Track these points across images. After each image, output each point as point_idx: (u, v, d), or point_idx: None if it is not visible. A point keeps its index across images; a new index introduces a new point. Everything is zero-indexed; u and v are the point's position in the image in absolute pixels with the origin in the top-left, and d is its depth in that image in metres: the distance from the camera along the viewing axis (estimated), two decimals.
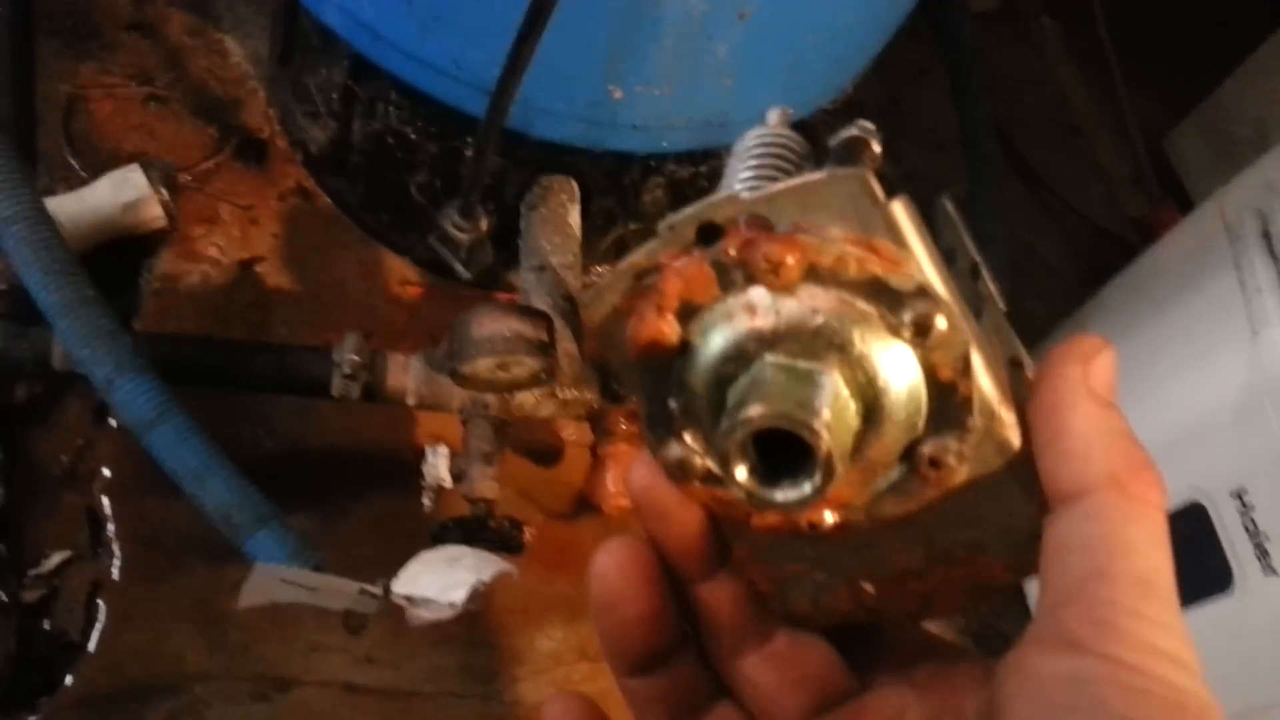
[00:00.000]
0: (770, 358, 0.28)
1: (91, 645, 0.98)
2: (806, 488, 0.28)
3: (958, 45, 1.35)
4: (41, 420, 1.07)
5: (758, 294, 0.28)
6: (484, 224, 1.10)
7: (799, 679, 0.33)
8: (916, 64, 1.66)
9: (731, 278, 0.28)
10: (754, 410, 0.27)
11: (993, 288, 0.31)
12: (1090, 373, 0.28)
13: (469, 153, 1.10)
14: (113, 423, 1.07)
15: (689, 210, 0.29)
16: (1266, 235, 0.97)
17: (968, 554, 0.31)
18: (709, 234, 0.29)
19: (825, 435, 0.27)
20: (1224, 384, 0.95)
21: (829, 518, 0.31)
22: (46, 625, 0.97)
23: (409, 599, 0.75)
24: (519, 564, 0.85)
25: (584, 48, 0.98)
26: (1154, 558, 0.27)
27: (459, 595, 0.74)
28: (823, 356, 0.28)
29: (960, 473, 0.29)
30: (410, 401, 0.98)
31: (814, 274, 0.28)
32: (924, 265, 0.28)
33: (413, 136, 1.18)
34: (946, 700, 0.31)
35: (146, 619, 1.00)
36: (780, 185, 0.28)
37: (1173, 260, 1.11)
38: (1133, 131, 1.66)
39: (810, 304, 0.28)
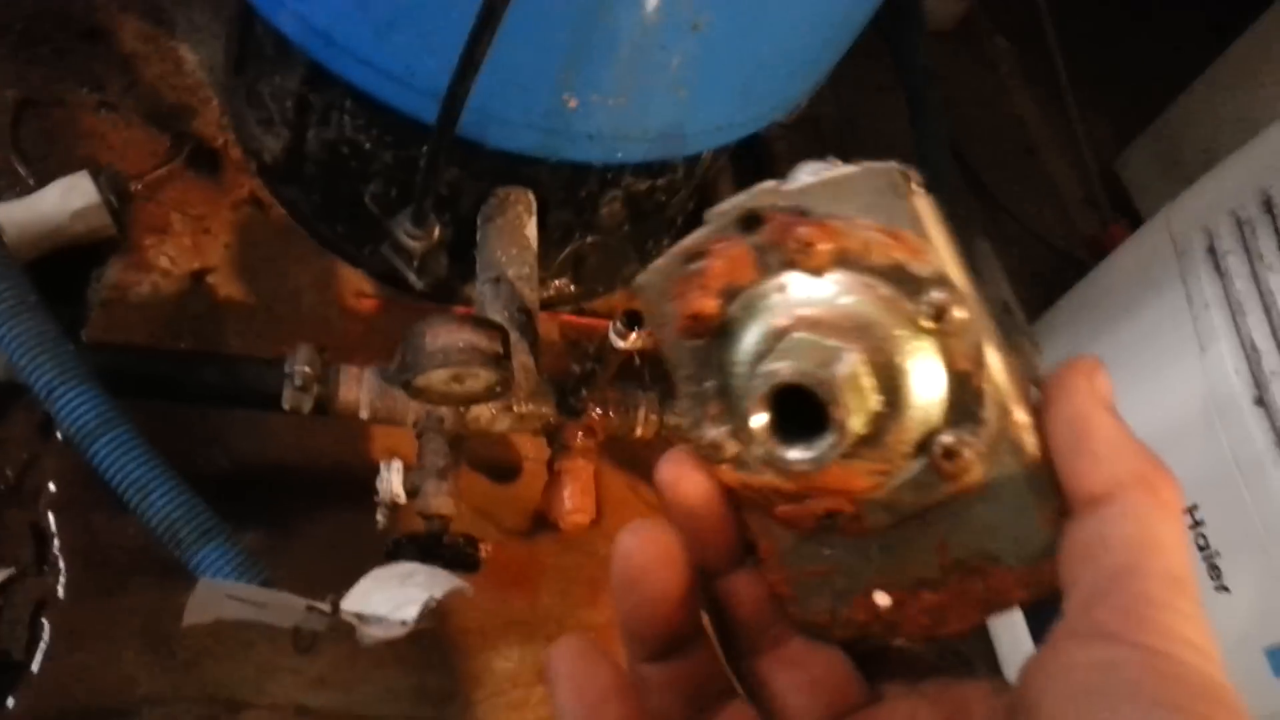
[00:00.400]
0: (799, 335, 0.30)
1: (35, 665, 0.95)
2: (820, 447, 0.29)
3: (913, 64, 1.36)
4: None
5: (791, 276, 0.30)
6: (437, 232, 1.09)
7: (811, 683, 0.33)
8: (874, 82, 1.68)
9: (769, 261, 0.31)
10: (777, 365, 0.29)
11: (1023, 322, 0.33)
12: (1098, 387, 0.29)
13: (423, 162, 1.09)
14: (59, 436, 1.05)
15: (734, 200, 0.31)
16: (1213, 251, 0.98)
17: (982, 564, 0.31)
18: (750, 222, 0.31)
19: (841, 394, 0.28)
20: (1173, 400, 0.96)
21: (850, 512, 0.31)
22: None
23: (359, 616, 0.74)
24: (475, 582, 0.84)
25: (538, 55, 0.97)
26: (1181, 555, 0.27)
27: (411, 613, 0.73)
28: (848, 336, 0.29)
29: (976, 471, 0.30)
30: (364, 415, 0.97)
31: (843, 259, 0.30)
32: (943, 256, 0.29)
33: (367, 145, 1.17)
34: (956, 711, 0.31)
35: (93, 638, 0.98)
36: (815, 179, 0.30)
37: (1121, 277, 1.13)
38: (1085, 152, 1.69)
39: (838, 287, 0.30)
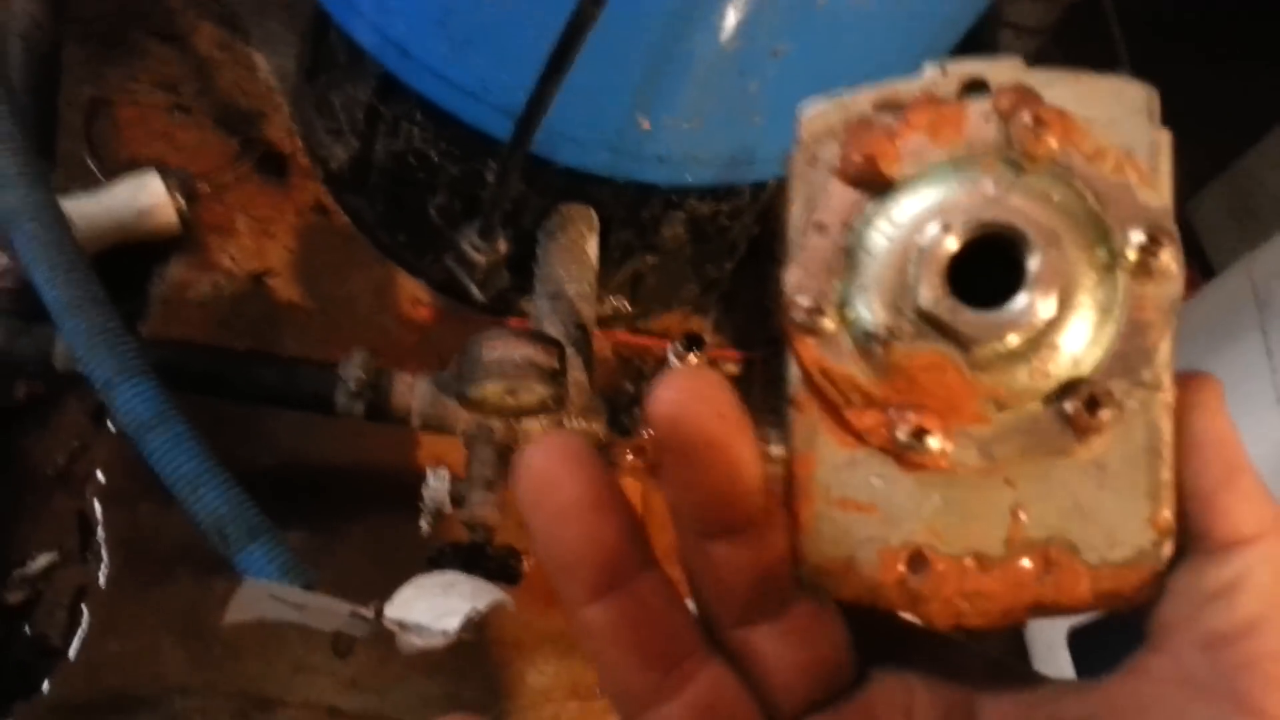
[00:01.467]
0: (989, 215, 0.26)
1: (72, 652, 0.95)
2: (1003, 312, 0.25)
3: None
4: (39, 420, 1.06)
5: (1001, 155, 0.27)
6: (502, 246, 1.09)
7: (814, 661, 0.28)
8: None
9: (981, 133, 0.27)
10: (981, 208, 0.26)
11: None
12: (1229, 414, 0.27)
13: (491, 176, 1.09)
14: (110, 427, 1.06)
15: (966, 61, 0.28)
16: None
17: (1058, 551, 0.27)
18: (975, 88, 0.28)
19: (1050, 262, 0.25)
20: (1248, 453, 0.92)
21: (934, 443, 0.26)
22: (27, 629, 0.95)
23: (401, 624, 0.73)
24: (515, 594, 0.82)
25: (614, 76, 0.97)
26: None
27: (452, 623, 0.72)
28: (1039, 239, 0.26)
29: (1105, 436, 0.26)
30: (415, 422, 0.97)
31: (1066, 159, 0.26)
32: (1169, 196, 0.27)
33: (435, 158, 1.18)
34: (956, 708, 0.28)
35: (131, 628, 0.98)
36: (1063, 71, 0.27)
37: (1197, 324, 1.09)
38: None
39: (1049, 183, 0.26)
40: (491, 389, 0.91)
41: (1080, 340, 0.26)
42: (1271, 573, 0.26)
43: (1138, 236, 0.26)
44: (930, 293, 0.26)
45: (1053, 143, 0.26)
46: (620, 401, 1.02)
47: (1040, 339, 0.26)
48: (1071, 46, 1.85)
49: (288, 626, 0.74)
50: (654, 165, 1.08)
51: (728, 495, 0.27)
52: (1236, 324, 1.00)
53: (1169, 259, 0.26)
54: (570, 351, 0.97)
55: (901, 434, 0.27)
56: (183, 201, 1.20)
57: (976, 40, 1.21)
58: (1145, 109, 0.27)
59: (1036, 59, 0.27)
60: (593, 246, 1.15)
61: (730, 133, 1.07)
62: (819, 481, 0.28)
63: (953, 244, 0.26)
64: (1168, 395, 0.26)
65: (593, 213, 1.17)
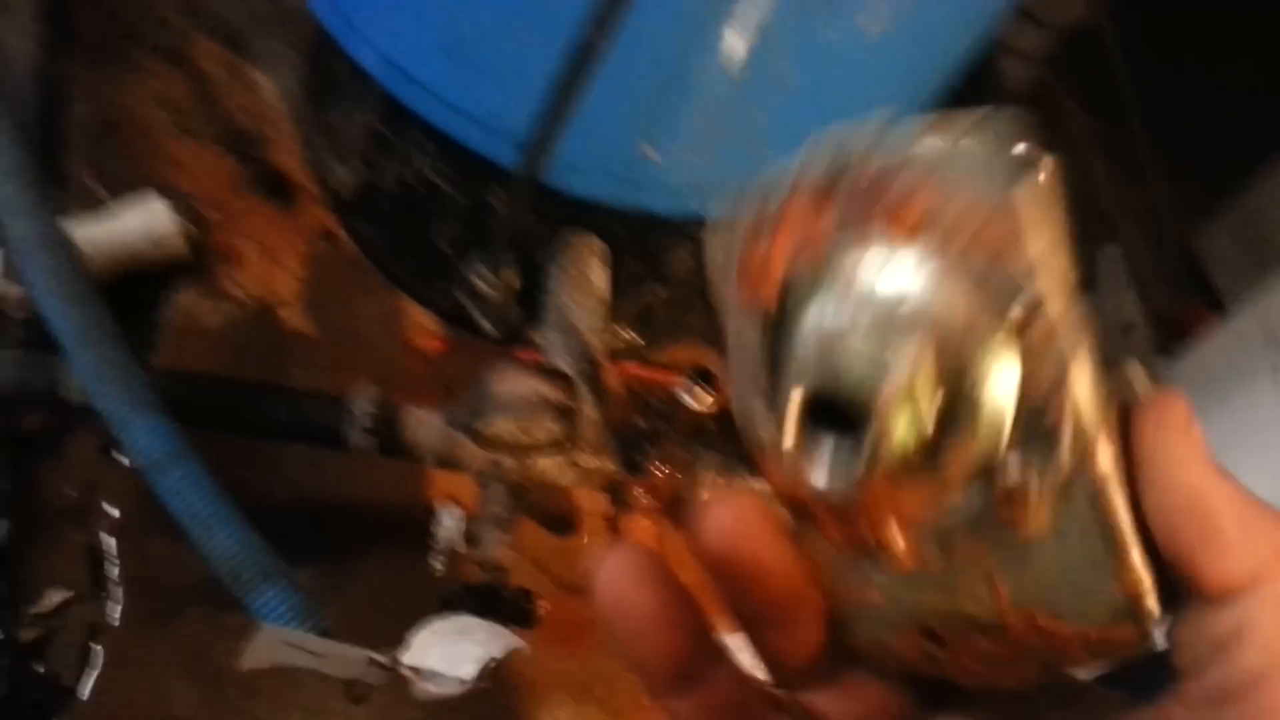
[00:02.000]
0: (852, 330, 0.25)
1: (84, 691, 0.95)
2: (845, 472, 0.25)
3: None
4: (51, 452, 1.05)
5: (868, 246, 0.26)
6: (512, 281, 1.09)
7: (876, 713, 0.31)
8: None
9: (848, 220, 0.26)
10: (805, 373, 0.26)
11: (1147, 347, 0.29)
12: (1196, 440, 0.26)
13: (498, 205, 1.09)
14: (123, 460, 1.05)
15: (832, 141, 0.27)
16: None
17: (1043, 617, 0.27)
18: (841, 169, 0.27)
19: (884, 411, 0.24)
20: (1262, 496, 0.92)
21: (898, 540, 0.27)
22: (40, 667, 0.94)
23: (417, 670, 0.73)
24: (530, 637, 0.82)
25: (622, 105, 0.97)
26: None
27: (469, 670, 0.72)
28: (917, 327, 0.25)
29: (1042, 515, 0.26)
30: (427, 459, 0.96)
31: (932, 232, 0.25)
32: (1048, 248, 0.24)
33: (442, 186, 1.17)
34: None
35: (143, 667, 0.97)
36: (923, 117, 0.25)
37: (1209, 364, 1.09)
38: (1164, 229, 1.65)
39: (919, 264, 0.25)
40: (503, 425, 0.90)
41: (984, 426, 0.25)
42: (1271, 616, 0.25)
43: (1017, 308, 0.24)
44: (790, 456, 0.26)
45: (910, 225, 0.25)
46: (631, 437, 1.02)
47: (937, 441, 0.25)
48: (1073, 75, 1.85)
49: (301, 670, 0.74)
50: (662, 195, 1.09)
51: (778, 606, 0.29)
52: (1247, 364, 1.00)
53: (1045, 318, 0.24)
54: (582, 388, 0.97)
55: (870, 543, 0.28)
56: (193, 228, 1.19)
57: (979, 67, 1.21)
58: (1009, 152, 0.25)
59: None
60: (603, 278, 1.14)
61: (738, 162, 1.07)
62: (829, 580, 0.29)
63: (799, 401, 0.26)
64: (1103, 461, 0.25)
65: (603, 244, 1.16)
